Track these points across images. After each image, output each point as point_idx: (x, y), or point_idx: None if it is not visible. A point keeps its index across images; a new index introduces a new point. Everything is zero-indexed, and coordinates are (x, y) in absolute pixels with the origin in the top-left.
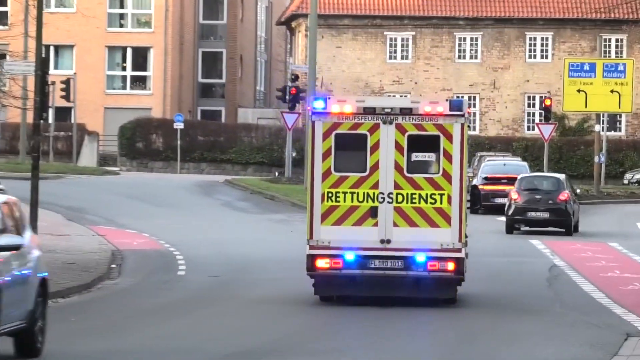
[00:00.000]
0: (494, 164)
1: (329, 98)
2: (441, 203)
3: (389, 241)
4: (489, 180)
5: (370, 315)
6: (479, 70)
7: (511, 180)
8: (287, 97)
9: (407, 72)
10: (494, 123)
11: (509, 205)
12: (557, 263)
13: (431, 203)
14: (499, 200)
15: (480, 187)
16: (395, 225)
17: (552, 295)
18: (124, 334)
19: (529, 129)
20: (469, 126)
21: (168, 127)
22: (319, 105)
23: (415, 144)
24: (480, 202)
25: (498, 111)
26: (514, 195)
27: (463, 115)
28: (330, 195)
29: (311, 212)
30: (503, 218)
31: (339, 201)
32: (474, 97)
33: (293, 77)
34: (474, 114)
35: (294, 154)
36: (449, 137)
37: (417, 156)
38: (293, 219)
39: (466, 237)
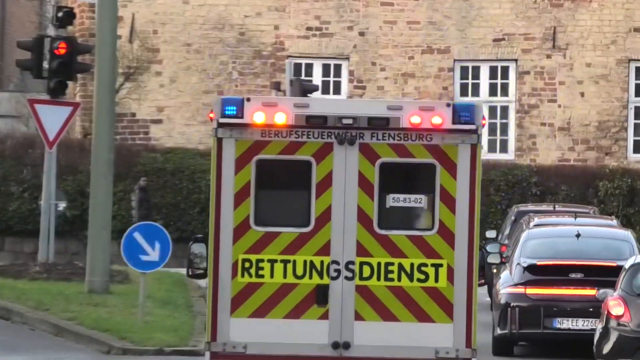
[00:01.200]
0: (554, 234)
1: (247, 99)
2: (437, 281)
3: (347, 345)
4: (541, 271)
5: None
6: (516, 5)
7: (597, 273)
8: (43, 66)
9: (340, 6)
10: (550, 136)
11: (604, 334)
12: None
13: (420, 280)
14: (568, 324)
15: (520, 289)
16: (358, 318)
17: None
18: None
19: (638, 147)
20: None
21: None
22: (229, 111)
23: (394, 179)
24: (519, 323)
25: (564, 105)
26: (616, 308)
27: (476, 131)
28: (247, 266)
29: (214, 296)
30: None
31: (262, 276)
32: (502, 70)
33: (60, 16)
34: (504, 113)
35: (62, 206)
36: (451, 168)
37: (395, 200)
38: None
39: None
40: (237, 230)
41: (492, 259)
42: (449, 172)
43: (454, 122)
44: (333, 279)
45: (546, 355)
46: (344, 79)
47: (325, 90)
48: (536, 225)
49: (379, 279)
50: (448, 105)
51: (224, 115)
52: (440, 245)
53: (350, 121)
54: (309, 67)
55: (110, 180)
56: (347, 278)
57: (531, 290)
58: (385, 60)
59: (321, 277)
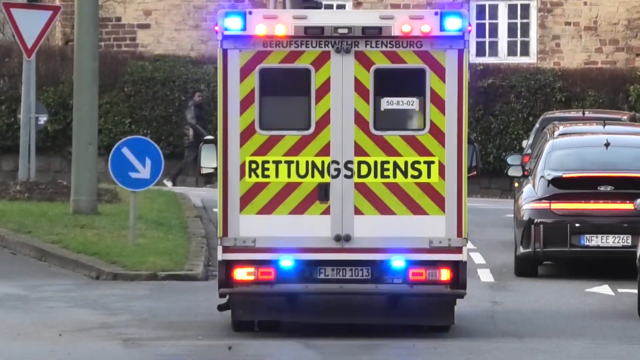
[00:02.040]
0: (581, 143)
1: (249, 12)
2: (429, 176)
3: (347, 238)
4: (567, 184)
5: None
6: None
7: (629, 186)
8: None
9: None
10: (576, 37)
11: None
12: None
13: (413, 177)
14: (597, 241)
15: (545, 204)
16: (357, 212)
17: None
18: None
19: None
20: (468, 50)
21: None
22: (233, 23)
23: (388, 83)
24: (544, 241)
25: (590, 2)
26: None
27: (462, 37)
28: (254, 167)
29: (224, 195)
30: (609, 291)
31: (268, 176)
32: None
33: None
34: (525, 12)
35: (44, 120)
36: (441, 72)
37: (389, 103)
38: (42, 293)
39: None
40: (244, 135)
41: (513, 172)
42: (438, 76)
43: (441, 29)
44: (333, 177)
45: (573, 275)
46: None
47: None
48: (561, 135)
49: (375, 176)
50: (436, 13)
51: (227, 28)
52: (432, 143)
53: (345, 31)
54: None
55: (95, 91)
56: (346, 176)
57: (556, 205)
58: None
59: (322, 175)
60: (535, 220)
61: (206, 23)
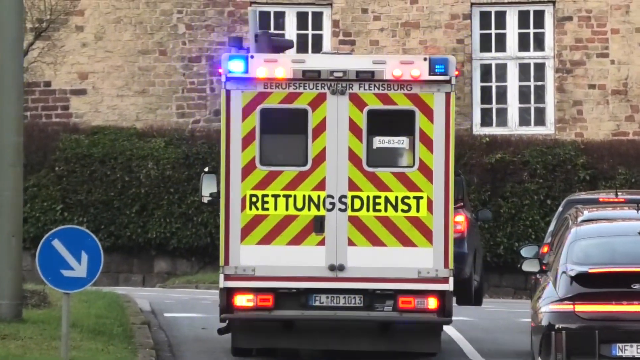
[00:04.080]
0: (610, 231)
1: (252, 57)
2: (418, 211)
3: (341, 267)
4: (594, 282)
5: None
6: None
7: None
8: None
9: None
10: (602, 103)
11: None
12: None
13: (403, 211)
14: (632, 350)
15: (568, 305)
16: (350, 243)
17: None
18: None
19: None
20: (457, 96)
21: None
22: (236, 67)
23: (379, 123)
24: (567, 351)
25: (619, 61)
26: None
27: (449, 81)
28: (254, 200)
29: (226, 226)
30: None
31: (267, 209)
32: (535, 16)
33: None
34: (539, 73)
35: None
36: (429, 113)
37: (381, 141)
38: None
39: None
40: (245, 170)
41: (529, 266)
42: (426, 117)
43: (430, 74)
44: (329, 210)
45: None
46: (327, 31)
47: (303, 47)
48: (586, 221)
49: (368, 210)
50: (425, 59)
51: (230, 71)
52: (421, 180)
53: (340, 74)
54: (280, 16)
55: (19, 171)
56: (340, 210)
57: (582, 307)
58: (379, 6)
59: (318, 209)
60: (557, 326)
61: (154, 88)
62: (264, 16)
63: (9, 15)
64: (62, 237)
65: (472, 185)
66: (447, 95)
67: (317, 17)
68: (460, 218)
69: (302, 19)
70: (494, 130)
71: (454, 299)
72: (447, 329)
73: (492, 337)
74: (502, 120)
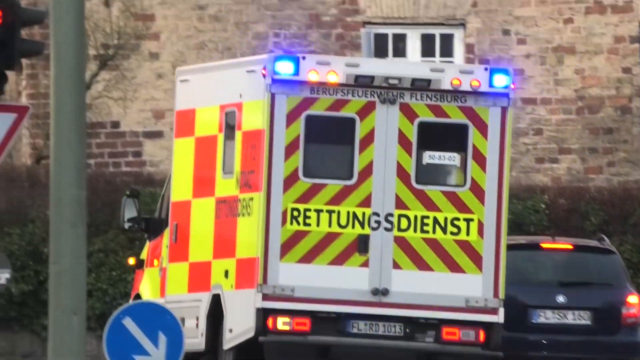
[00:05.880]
0: None
1: (303, 58)
2: (468, 234)
3: (385, 292)
4: None
5: None
6: None
7: None
8: None
9: None
10: None
11: None
12: None
13: (452, 233)
14: None
15: None
16: (395, 266)
17: None
18: None
19: None
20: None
21: None
22: (285, 68)
23: (430, 137)
24: None
25: None
26: None
27: (507, 95)
28: (296, 214)
29: (265, 241)
30: None
31: (309, 224)
32: None
33: None
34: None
35: (5, 278)
36: (483, 129)
37: (431, 157)
38: None
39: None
40: (287, 181)
41: None
42: (480, 133)
43: (490, 85)
44: (374, 229)
45: None
46: (458, 57)
47: None
48: None
49: (415, 230)
50: (485, 69)
51: (277, 72)
52: (472, 201)
53: (396, 81)
54: (400, 39)
55: (81, 233)
56: (386, 229)
57: None
58: (524, 26)
59: (363, 227)
60: None
61: None
62: (380, 39)
63: (67, 40)
64: (135, 315)
65: None
66: (504, 110)
67: (447, 40)
68: (634, 299)
69: (428, 42)
70: None
71: None
72: None
73: None
74: None
